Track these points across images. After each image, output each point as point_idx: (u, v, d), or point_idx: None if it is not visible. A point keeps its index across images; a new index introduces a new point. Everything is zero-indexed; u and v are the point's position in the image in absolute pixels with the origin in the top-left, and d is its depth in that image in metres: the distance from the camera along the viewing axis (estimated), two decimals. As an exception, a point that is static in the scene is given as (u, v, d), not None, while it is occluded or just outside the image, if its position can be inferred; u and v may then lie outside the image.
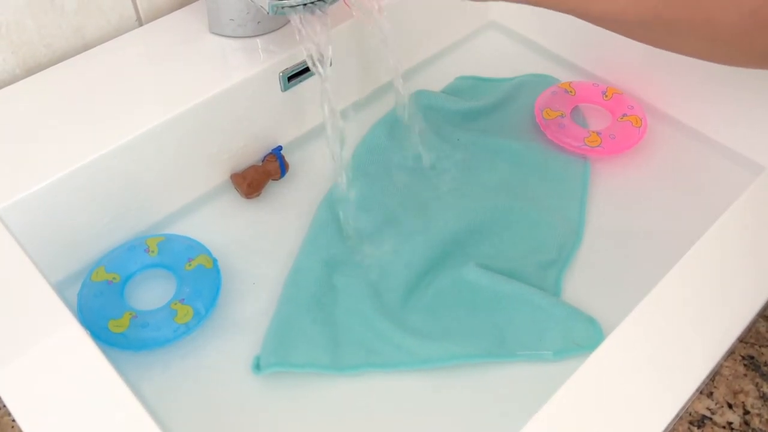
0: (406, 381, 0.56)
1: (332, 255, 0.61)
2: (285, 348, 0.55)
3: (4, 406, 0.55)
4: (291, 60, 0.66)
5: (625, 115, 0.73)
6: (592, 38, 0.78)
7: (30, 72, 0.64)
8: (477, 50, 0.85)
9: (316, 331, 0.56)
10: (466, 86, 0.79)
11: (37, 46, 0.64)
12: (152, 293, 0.60)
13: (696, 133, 0.73)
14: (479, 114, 0.75)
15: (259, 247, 0.65)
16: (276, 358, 0.55)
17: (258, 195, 0.67)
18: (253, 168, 0.68)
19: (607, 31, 0.76)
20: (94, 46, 0.66)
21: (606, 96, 0.76)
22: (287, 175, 0.69)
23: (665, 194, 0.68)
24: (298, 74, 0.68)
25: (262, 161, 0.69)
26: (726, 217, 0.53)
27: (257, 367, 0.55)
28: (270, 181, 0.68)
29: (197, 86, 0.62)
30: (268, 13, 0.56)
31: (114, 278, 0.60)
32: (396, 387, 0.55)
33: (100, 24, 0.66)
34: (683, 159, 0.71)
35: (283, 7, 0.55)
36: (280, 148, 0.69)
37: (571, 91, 0.76)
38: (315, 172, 0.70)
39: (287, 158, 0.70)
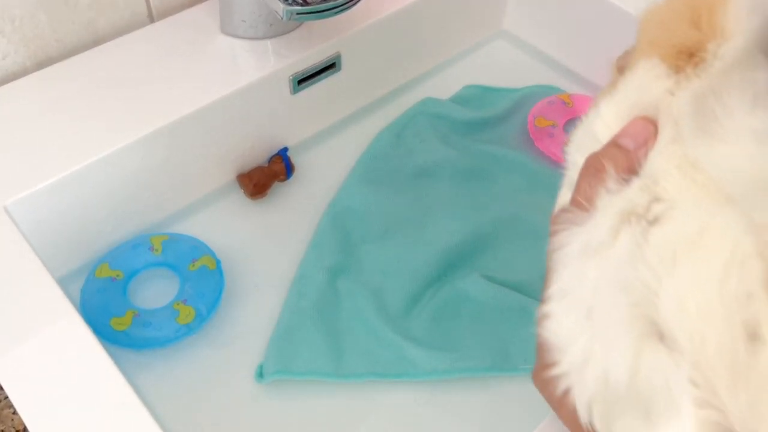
0: (408, 391, 0.56)
1: (336, 262, 0.61)
2: (288, 356, 0.56)
3: (6, 398, 0.55)
4: (302, 64, 0.66)
5: None
6: (603, 53, 0.79)
7: (40, 65, 0.64)
8: (487, 59, 0.85)
9: (319, 339, 0.57)
10: (473, 95, 0.79)
11: (49, 40, 0.64)
12: (154, 292, 0.60)
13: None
14: (485, 124, 0.76)
15: (263, 248, 0.65)
16: (279, 365, 0.55)
17: (263, 196, 0.68)
18: (259, 169, 0.68)
19: (619, 48, 0.77)
20: (105, 41, 0.66)
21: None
22: (293, 176, 0.70)
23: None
24: (307, 78, 0.68)
25: (268, 162, 0.69)
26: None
27: (260, 375, 0.55)
28: (276, 182, 0.69)
29: (207, 87, 0.62)
30: (282, 18, 0.56)
31: (117, 275, 0.60)
32: (398, 396, 0.56)
33: (112, 19, 0.66)
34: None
35: (298, 14, 0.56)
36: (286, 149, 0.70)
37: (569, 103, 0.77)
38: (321, 175, 0.71)
39: (293, 160, 0.70)
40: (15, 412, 0.56)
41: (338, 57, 0.69)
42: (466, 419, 0.55)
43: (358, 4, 0.61)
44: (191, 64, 0.64)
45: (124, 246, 0.62)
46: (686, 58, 0.33)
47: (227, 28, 0.67)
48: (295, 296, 0.59)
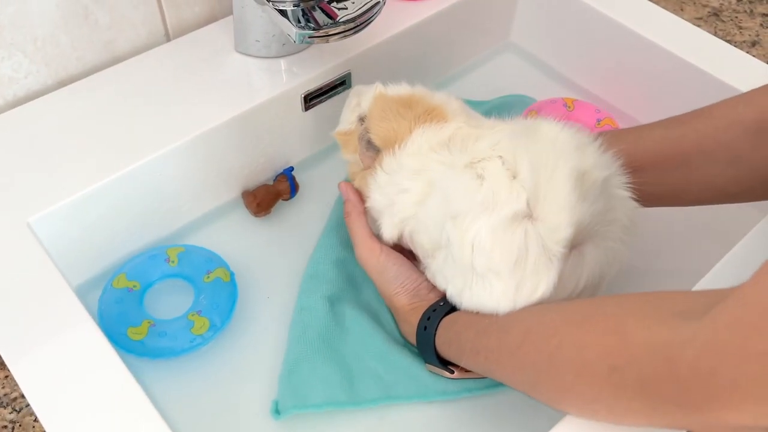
0: (420, 411, 0.57)
1: (333, 290, 0.62)
2: (301, 390, 0.56)
3: (27, 405, 0.57)
4: (313, 82, 0.68)
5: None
6: (608, 67, 0.80)
7: (62, 83, 0.66)
8: (495, 71, 0.86)
9: (329, 369, 0.57)
10: None
11: (70, 58, 0.66)
12: (170, 303, 0.62)
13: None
14: None
15: (269, 263, 0.66)
16: (293, 401, 0.56)
17: (267, 213, 0.69)
18: (264, 187, 0.70)
19: (622, 63, 0.78)
20: (124, 59, 0.69)
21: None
22: (297, 195, 0.71)
23: (675, 226, 0.69)
24: (319, 95, 0.70)
25: (274, 181, 0.71)
26: (732, 253, 0.55)
27: (276, 411, 0.56)
28: (280, 200, 0.70)
29: (222, 105, 0.65)
30: (295, 42, 0.58)
31: (134, 286, 0.62)
32: (410, 416, 0.57)
33: (130, 38, 0.69)
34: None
35: (310, 37, 0.57)
36: (291, 169, 0.71)
37: (570, 107, 0.77)
38: (325, 193, 0.72)
39: (298, 178, 0.71)
40: (36, 420, 0.58)
41: (348, 75, 0.71)
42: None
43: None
44: (207, 82, 0.67)
45: (141, 257, 0.64)
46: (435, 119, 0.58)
47: (241, 47, 0.69)
48: (299, 328, 0.60)
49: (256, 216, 0.69)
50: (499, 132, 0.54)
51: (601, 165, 0.52)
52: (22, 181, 0.58)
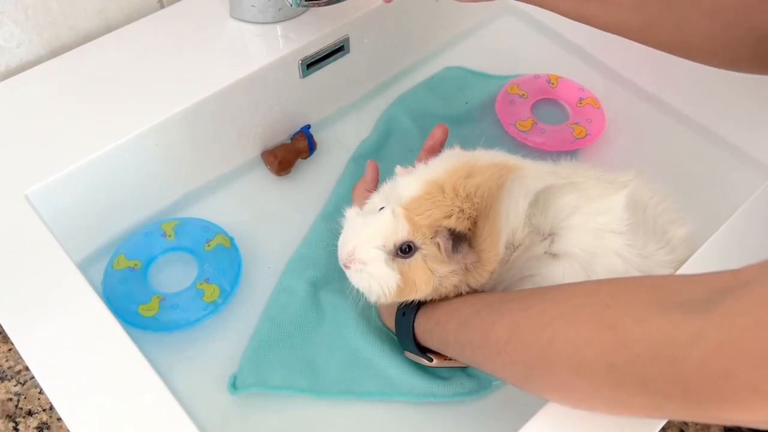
0: (384, 407, 0.56)
1: (318, 275, 0.61)
2: (262, 370, 0.56)
3: (32, 378, 0.57)
4: (310, 48, 0.67)
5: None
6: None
7: (55, 53, 0.65)
8: (495, 34, 0.85)
9: (294, 357, 0.56)
10: (453, 76, 0.78)
11: (62, 27, 0.64)
12: (175, 276, 0.62)
13: (711, 135, 0.73)
14: (467, 116, 0.75)
15: (287, 224, 0.66)
16: (253, 379, 0.55)
17: (288, 173, 0.69)
18: (283, 146, 0.69)
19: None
20: (117, 27, 0.67)
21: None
22: (315, 153, 0.70)
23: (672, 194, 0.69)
24: (317, 61, 0.68)
25: (291, 139, 0.70)
26: (732, 221, 0.54)
27: (233, 386, 0.55)
28: (299, 159, 0.70)
29: (218, 72, 0.63)
30: (291, 6, 0.57)
31: (136, 264, 0.61)
32: (374, 411, 0.56)
33: (122, 6, 0.67)
34: (693, 160, 0.72)
35: (306, 1, 0.56)
36: (308, 126, 0.70)
37: (553, 83, 0.77)
38: (343, 151, 0.71)
39: (315, 137, 0.70)
40: (41, 392, 0.59)
41: (347, 40, 0.70)
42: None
43: (366, -12, 0.61)
44: (202, 50, 0.65)
45: (137, 235, 0.63)
46: None
47: (236, 13, 0.67)
48: (275, 308, 0.59)
49: (277, 175, 0.68)
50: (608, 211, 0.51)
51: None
52: (19, 153, 0.57)
